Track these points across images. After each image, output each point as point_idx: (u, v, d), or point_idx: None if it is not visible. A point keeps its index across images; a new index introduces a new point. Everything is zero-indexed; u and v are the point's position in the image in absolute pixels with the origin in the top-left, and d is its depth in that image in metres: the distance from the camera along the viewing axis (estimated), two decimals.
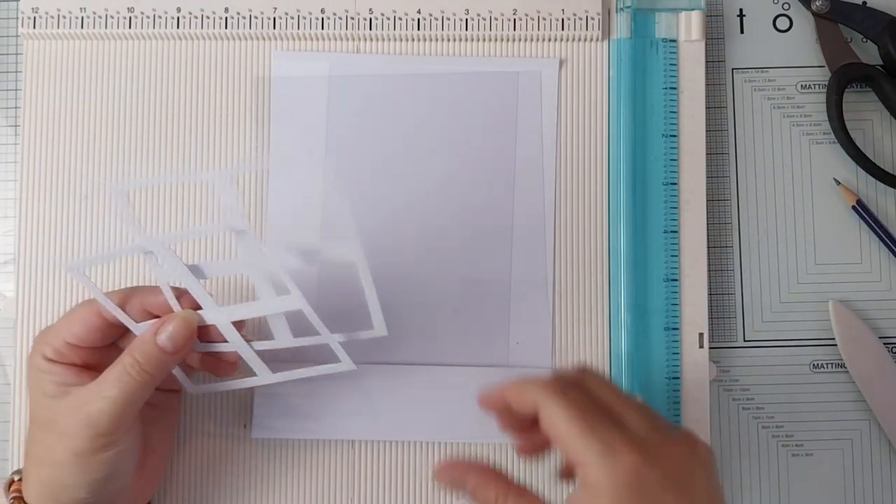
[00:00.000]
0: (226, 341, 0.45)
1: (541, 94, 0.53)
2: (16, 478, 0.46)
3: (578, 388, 0.40)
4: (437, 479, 0.41)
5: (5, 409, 0.53)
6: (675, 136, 0.53)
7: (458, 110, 0.53)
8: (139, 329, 0.44)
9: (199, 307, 0.43)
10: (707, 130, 0.53)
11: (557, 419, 0.38)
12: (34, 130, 0.53)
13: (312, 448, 0.52)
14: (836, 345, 0.53)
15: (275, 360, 0.46)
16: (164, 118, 0.53)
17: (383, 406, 0.51)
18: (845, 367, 0.53)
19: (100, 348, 0.45)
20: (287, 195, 0.53)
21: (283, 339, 0.45)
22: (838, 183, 0.54)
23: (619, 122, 0.53)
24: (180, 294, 0.43)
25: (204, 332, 0.45)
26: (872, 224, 0.53)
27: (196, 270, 0.42)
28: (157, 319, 0.43)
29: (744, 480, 0.53)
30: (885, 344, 0.53)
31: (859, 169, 0.53)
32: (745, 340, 0.54)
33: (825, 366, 0.53)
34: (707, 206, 0.53)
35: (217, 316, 0.44)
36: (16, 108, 0.55)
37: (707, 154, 0.53)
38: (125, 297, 0.43)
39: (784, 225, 0.54)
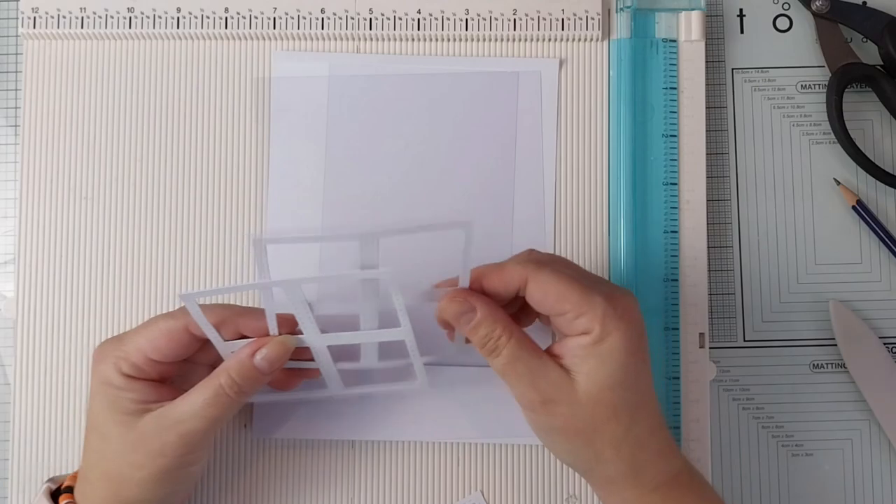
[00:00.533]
0: (311, 359, 0.46)
1: (541, 94, 0.53)
2: (52, 486, 0.46)
3: (553, 265, 0.43)
4: (442, 310, 0.43)
5: (5, 409, 0.53)
6: (675, 136, 0.53)
7: (459, 110, 0.53)
8: (227, 347, 0.44)
9: (295, 331, 0.44)
10: (707, 130, 0.53)
11: (554, 283, 0.42)
12: (34, 130, 0.53)
13: (312, 449, 0.52)
14: (836, 345, 0.53)
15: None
16: (164, 118, 0.53)
17: (384, 406, 0.51)
18: (845, 367, 0.53)
19: (176, 362, 0.45)
20: (287, 194, 0.53)
21: (369, 360, 0.47)
22: (838, 183, 0.54)
23: (619, 122, 0.53)
24: (283, 321, 0.44)
25: (296, 351, 0.45)
26: (872, 224, 0.53)
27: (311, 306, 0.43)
28: (250, 340, 0.44)
29: (744, 480, 0.53)
30: (885, 344, 0.53)
31: (859, 169, 0.53)
32: (745, 340, 0.54)
33: (825, 366, 0.53)
34: (707, 206, 0.53)
35: (317, 340, 0.44)
36: (16, 108, 0.55)
37: (707, 154, 0.53)
38: (222, 319, 0.44)
39: (784, 225, 0.54)
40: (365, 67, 0.53)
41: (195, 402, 0.43)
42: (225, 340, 0.44)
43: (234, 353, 0.43)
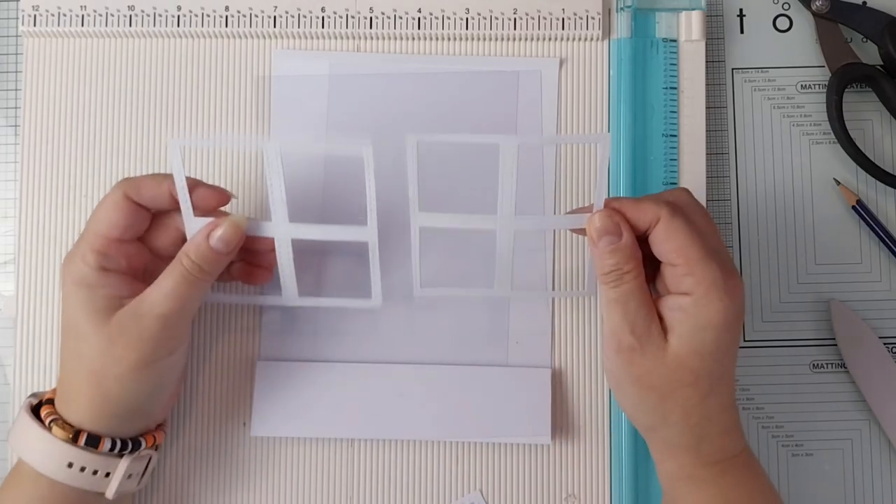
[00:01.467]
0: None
1: (541, 93, 0.53)
2: (34, 401, 0.46)
3: (688, 216, 0.44)
4: (592, 222, 0.44)
5: (5, 409, 0.53)
6: (675, 136, 0.53)
7: (458, 109, 0.53)
8: (193, 223, 0.45)
9: (214, 206, 0.46)
10: (707, 130, 0.53)
11: (681, 233, 0.43)
12: (34, 130, 0.53)
13: (311, 447, 0.52)
14: (836, 345, 0.53)
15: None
16: (165, 116, 0.53)
17: (383, 405, 0.51)
18: (845, 367, 0.53)
19: (136, 252, 0.46)
20: (287, 192, 0.52)
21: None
22: (838, 183, 0.54)
23: (619, 122, 0.53)
24: (194, 186, 0.45)
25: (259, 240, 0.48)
26: (872, 224, 0.53)
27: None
28: (208, 222, 0.45)
29: None
30: (885, 344, 0.53)
31: (859, 169, 0.53)
32: (745, 340, 0.54)
33: (825, 366, 0.53)
34: (707, 206, 0.53)
35: (282, 230, 0.46)
36: (16, 108, 0.55)
37: (707, 154, 0.53)
38: (192, 186, 0.45)
39: (784, 225, 0.54)
40: (365, 66, 0.53)
41: (165, 287, 0.44)
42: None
43: (191, 238, 0.45)
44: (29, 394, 0.48)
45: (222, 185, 0.49)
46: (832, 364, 0.53)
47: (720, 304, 0.42)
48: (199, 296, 0.45)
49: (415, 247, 0.47)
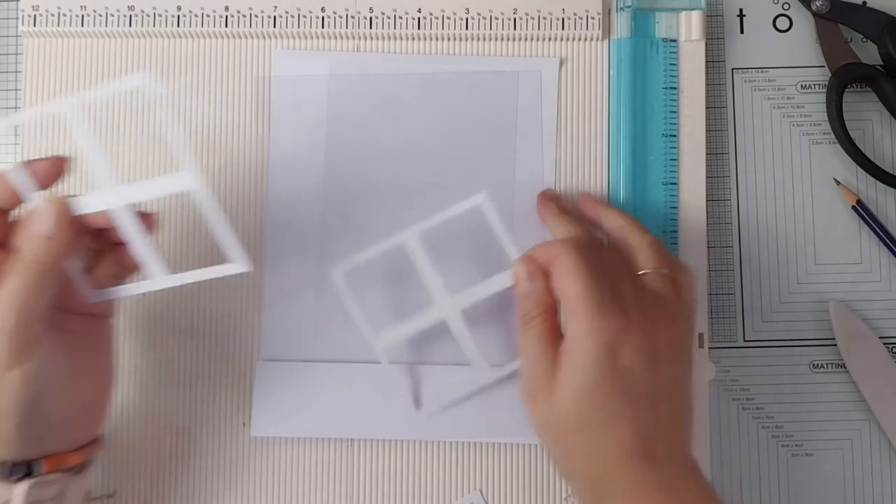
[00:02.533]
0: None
1: (541, 94, 0.53)
2: None
3: (592, 249, 0.44)
4: (513, 267, 0.46)
5: None
6: (675, 136, 0.53)
7: (458, 109, 0.53)
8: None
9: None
10: (707, 130, 0.53)
11: (567, 274, 0.43)
12: (35, 130, 0.53)
13: (311, 447, 0.52)
14: (836, 345, 0.53)
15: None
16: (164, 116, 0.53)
17: (382, 405, 0.51)
18: (845, 367, 0.53)
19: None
20: (287, 192, 0.53)
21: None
22: (838, 183, 0.54)
23: (619, 122, 0.53)
24: (26, 166, 0.42)
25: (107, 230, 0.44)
26: (872, 224, 0.53)
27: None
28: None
29: (744, 480, 0.52)
30: (885, 344, 0.53)
31: (859, 169, 0.53)
32: (745, 340, 0.53)
33: (825, 366, 0.53)
34: (707, 206, 0.53)
35: (108, 199, 0.42)
36: (16, 108, 0.55)
37: (707, 154, 0.53)
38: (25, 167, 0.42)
39: (784, 225, 0.54)
40: (365, 66, 0.53)
41: (14, 284, 0.40)
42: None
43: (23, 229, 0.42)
44: None
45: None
46: (832, 364, 0.53)
47: (586, 343, 0.41)
48: (40, 295, 0.41)
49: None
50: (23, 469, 0.41)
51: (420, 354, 0.52)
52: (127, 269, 0.46)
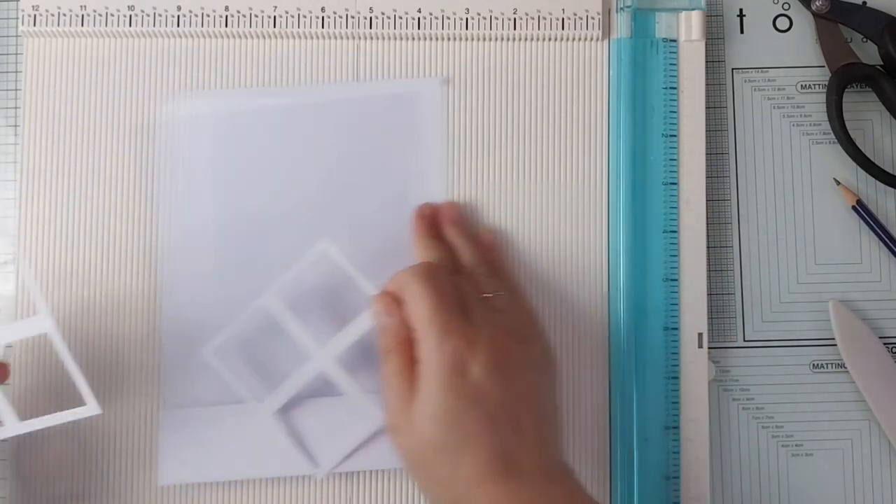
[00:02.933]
0: None
1: (426, 113, 0.53)
2: None
3: (440, 273, 0.45)
4: (372, 304, 0.46)
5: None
6: (675, 136, 0.53)
7: (345, 137, 0.53)
8: None
9: None
10: (707, 130, 0.53)
11: (414, 301, 0.44)
12: (34, 130, 0.53)
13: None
14: (836, 345, 0.53)
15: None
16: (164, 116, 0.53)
17: (309, 438, 0.51)
18: (845, 367, 0.53)
19: None
20: (179, 239, 0.52)
21: None
22: (838, 183, 0.54)
23: (619, 122, 0.53)
24: None
25: None
26: (872, 224, 0.53)
27: None
28: None
29: (744, 480, 0.52)
30: (885, 344, 0.53)
31: (859, 169, 0.53)
32: (744, 340, 0.53)
33: (825, 366, 0.53)
34: (707, 206, 0.53)
35: None
36: (16, 108, 0.55)
37: (707, 154, 0.53)
38: None
39: (784, 225, 0.54)
40: (249, 102, 0.53)
41: None
42: None
43: None
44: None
45: None
46: (832, 364, 0.53)
47: (434, 367, 0.42)
48: None
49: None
50: None
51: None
52: None
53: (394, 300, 0.45)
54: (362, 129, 0.53)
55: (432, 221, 0.51)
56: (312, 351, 0.49)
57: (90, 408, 0.44)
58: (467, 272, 0.48)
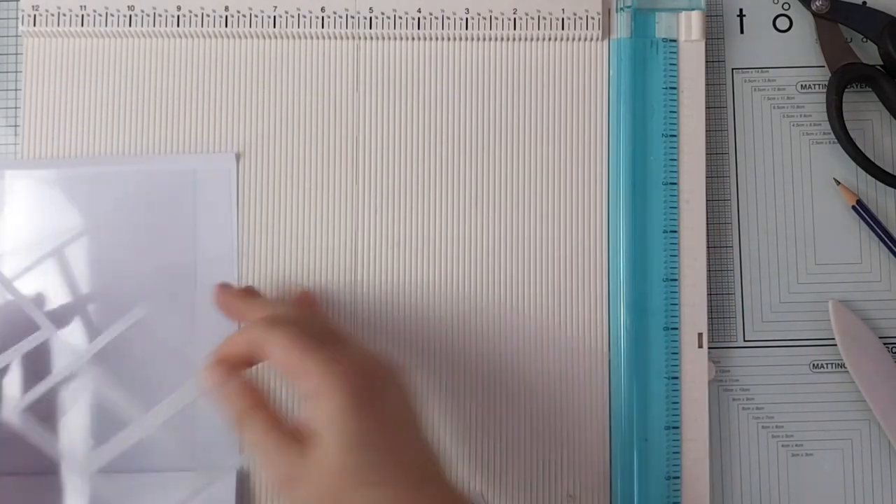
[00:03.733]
0: None
1: (220, 189, 0.53)
2: None
3: (291, 321, 0.43)
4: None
5: None
6: (675, 136, 0.53)
7: (133, 211, 0.52)
8: None
9: None
10: (707, 130, 0.53)
11: (281, 348, 0.41)
12: (34, 128, 0.53)
13: None
14: (836, 345, 0.53)
15: None
16: (164, 116, 0.53)
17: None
18: (845, 367, 0.53)
19: None
20: None
21: None
22: (838, 183, 0.54)
23: (619, 122, 0.53)
24: None
25: None
26: (872, 224, 0.53)
27: None
28: None
29: (744, 480, 0.52)
30: (885, 344, 0.53)
31: (859, 169, 0.53)
32: (744, 340, 0.53)
33: (825, 366, 0.53)
34: (707, 206, 0.53)
35: None
36: (16, 108, 0.55)
37: (707, 154, 0.53)
38: None
39: (784, 225, 0.54)
40: (37, 171, 0.53)
41: None
42: None
43: None
44: None
45: None
46: (832, 364, 0.53)
47: (333, 392, 0.40)
48: None
49: None
50: None
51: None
52: None
53: (233, 366, 0.44)
54: (151, 203, 0.53)
55: (237, 295, 0.49)
56: (134, 418, 0.49)
57: (45, 331, 0.47)
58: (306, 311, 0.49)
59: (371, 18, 0.53)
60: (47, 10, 0.53)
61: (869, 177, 0.53)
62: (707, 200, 0.53)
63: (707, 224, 0.53)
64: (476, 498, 0.51)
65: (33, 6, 0.53)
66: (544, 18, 0.53)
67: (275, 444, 0.41)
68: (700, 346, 0.52)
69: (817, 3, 0.54)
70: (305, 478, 0.40)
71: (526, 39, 0.54)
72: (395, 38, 0.53)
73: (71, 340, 0.51)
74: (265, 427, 0.42)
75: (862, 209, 0.53)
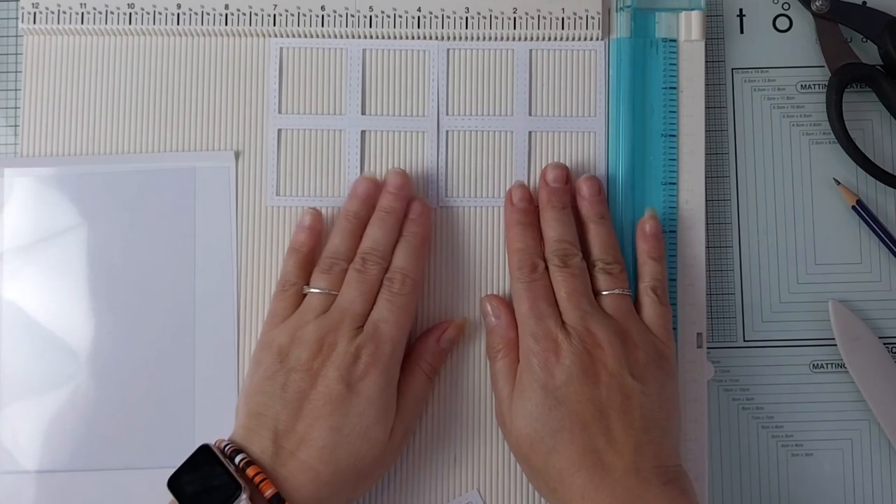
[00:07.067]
0: None
1: (219, 186, 0.53)
2: (244, 464, 0.43)
3: (538, 279, 0.48)
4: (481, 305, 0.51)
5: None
6: (674, 135, 0.53)
7: (132, 209, 0.53)
8: None
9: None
10: (707, 130, 0.53)
11: (515, 302, 0.48)
12: (34, 126, 0.53)
13: None
14: (836, 345, 0.53)
15: None
16: (164, 114, 0.53)
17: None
18: (845, 367, 0.53)
19: None
20: None
21: None
22: (838, 183, 0.54)
23: (619, 122, 0.53)
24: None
25: None
26: (872, 224, 0.53)
27: None
28: (435, 326, 0.51)
29: (744, 480, 0.52)
30: (885, 344, 0.53)
31: (859, 169, 0.53)
32: (744, 340, 0.53)
33: (825, 366, 0.53)
34: (707, 206, 0.53)
35: None
36: (16, 108, 0.55)
37: (707, 154, 0.53)
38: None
39: (784, 225, 0.54)
40: (38, 171, 0.53)
41: (414, 384, 0.49)
42: None
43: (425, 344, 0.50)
44: None
45: None
46: (832, 364, 0.53)
47: (525, 367, 0.46)
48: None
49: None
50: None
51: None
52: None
53: (501, 304, 0.50)
54: (150, 202, 0.53)
55: (529, 207, 0.51)
56: None
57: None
58: (586, 264, 0.49)
59: (371, 17, 0.53)
60: (47, 8, 0.53)
61: (869, 177, 0.53)
62: (707, 200, 0.53)
63: (707, 224, 0.53)
64: (473, 497, 0.51)
65: (33, 3, 0.53)
66: (544, 18, 0.53)
67: (500, 389, 0.48)
68: (699, 345, 0.52)
69: (817, 3, 0.54)
70: (506, 427, 0.47)
71: (526, 39, 0.54)
72: (395, 38, 0.53)
73: (68, 337, 0.51)
74: (502, 370, 0.48)
75: (862, 209, 0.53)
